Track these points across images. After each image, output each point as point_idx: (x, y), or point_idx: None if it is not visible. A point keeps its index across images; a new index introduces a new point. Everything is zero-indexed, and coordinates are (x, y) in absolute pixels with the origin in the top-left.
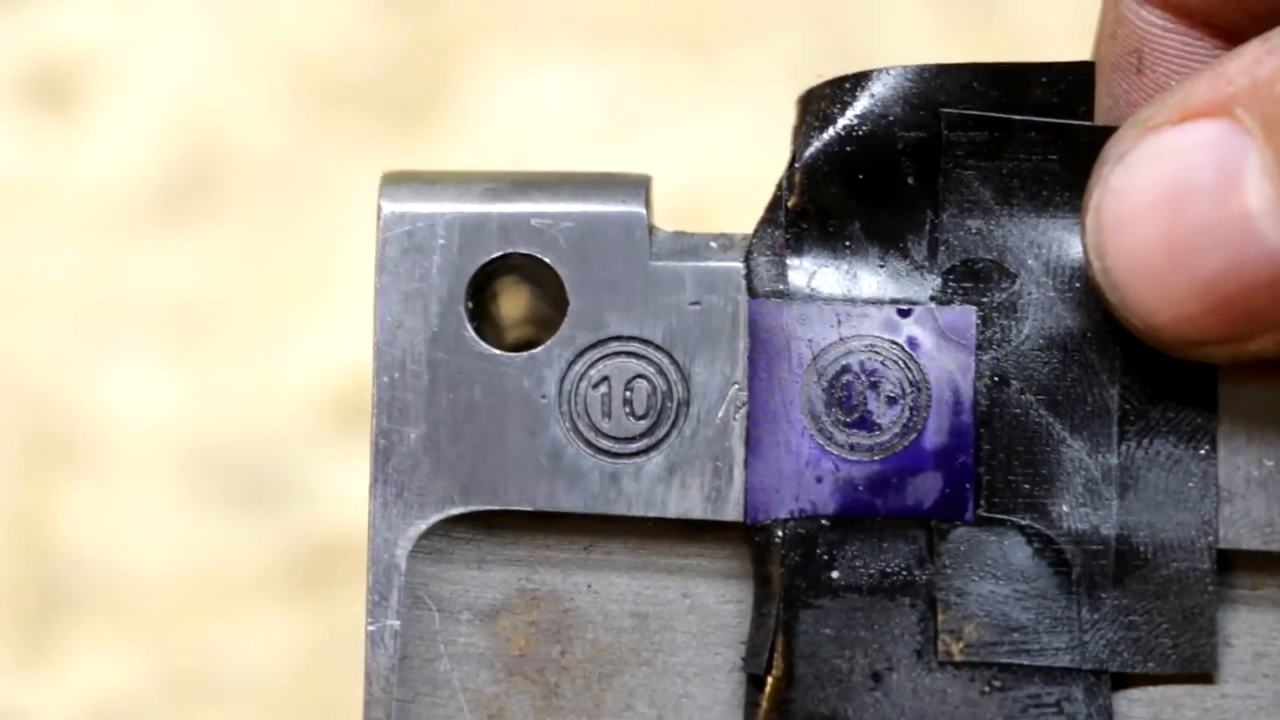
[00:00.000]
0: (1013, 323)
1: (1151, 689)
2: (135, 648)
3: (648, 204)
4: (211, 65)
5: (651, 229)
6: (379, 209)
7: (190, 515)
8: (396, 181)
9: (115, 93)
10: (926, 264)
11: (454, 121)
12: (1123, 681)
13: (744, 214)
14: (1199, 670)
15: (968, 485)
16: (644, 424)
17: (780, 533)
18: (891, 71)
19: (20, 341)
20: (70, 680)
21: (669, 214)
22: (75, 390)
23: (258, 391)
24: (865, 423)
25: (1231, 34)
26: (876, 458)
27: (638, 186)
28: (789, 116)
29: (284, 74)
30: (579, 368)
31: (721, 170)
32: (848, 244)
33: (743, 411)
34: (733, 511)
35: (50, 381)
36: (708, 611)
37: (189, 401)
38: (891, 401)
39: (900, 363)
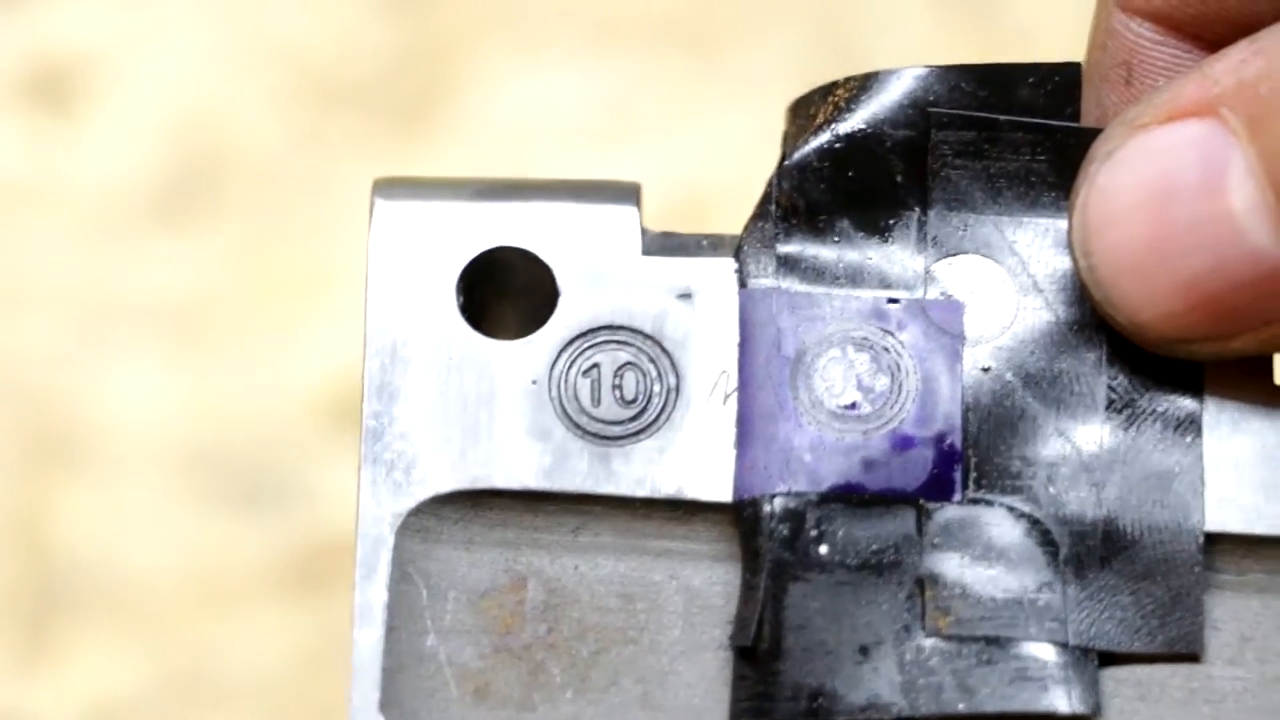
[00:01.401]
0: (1000, 314)
1: (1138, 669)
2: (135, 648)
3: (638, 206)
4: (211, 65)
5: (643, 229)
6: (372, 203)
7: (190, 515)
8: (390, 183)
9: (115, 93)
10: (915, 258)
11: (454, 121)
12: (1110, 660)
13: (743, 214)
14: (1186, 650)
15: (956, 467)
16: (634, 409)
17: (768, 507)
18: (880, 73)
19: (20, 341)
20: (69, 680)
21: (669, 212)
22: (75, 390)
23: (257, 391)
24: (854, 406)
25: (1220, 46)
26: (866, 438)
27: (628, 190)
28: None
29: (284, 74)
30: (569, 355)
31: (721, 170)
32: (837, 238)
33: (732, 398)
34: (722, 491)
35: (50, 381)
36: (695, 593)
37: (188, 401)
38: (881, 386)
39: (889, 350)
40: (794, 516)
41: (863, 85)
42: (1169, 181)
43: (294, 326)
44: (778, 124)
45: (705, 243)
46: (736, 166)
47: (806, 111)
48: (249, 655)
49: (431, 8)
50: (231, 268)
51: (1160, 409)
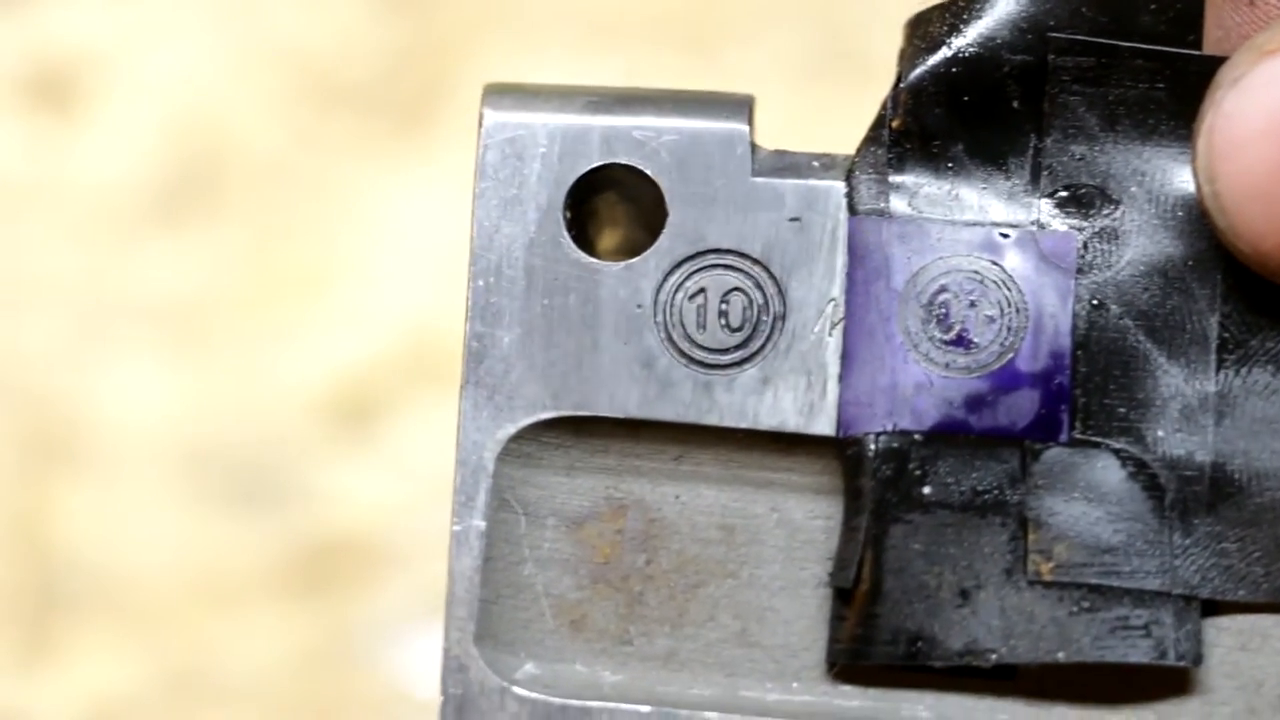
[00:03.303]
0: (1113, 248)
1: (1240, 618)
2: (134, 647)
3: (750, 122)
4: (211, 65)
5: (754, 146)
6: (481, 116)
7: (189, 515)
8: (499, 91)
9: (115, 92)
10: (1029, 187)
11: (454, 121)
12: (1212, 609)
13: None
14: None
15: (1063, 407)
16: (739, 336)
17: (873, 446)
18: None
19: (20, 341)
20: (69, 680)
21: None
22: (75, 389)
23: (257, 391)
24: (962, 341)
25: None
26: (972, 376)
27: (741, 105)
28: (788, 116)
29: (284, 74)
30: (675, 279)
31: None
32: (950, 165)
33: (839, 327)
34: (825, 425)
35: (49, 381)
36: (795, 526)
37: (188, 401)
38: (989, 321)
39: (999, 283)
40: (897, 456)
41: (981, 6)
42: None
43: (294, 326)
44: (776, 122)
45: (817, 164)
46: None
47: (924, 29)
48: (249, 655)
49: (431, 8)
50: (231, 268)
51: (1273, 350)
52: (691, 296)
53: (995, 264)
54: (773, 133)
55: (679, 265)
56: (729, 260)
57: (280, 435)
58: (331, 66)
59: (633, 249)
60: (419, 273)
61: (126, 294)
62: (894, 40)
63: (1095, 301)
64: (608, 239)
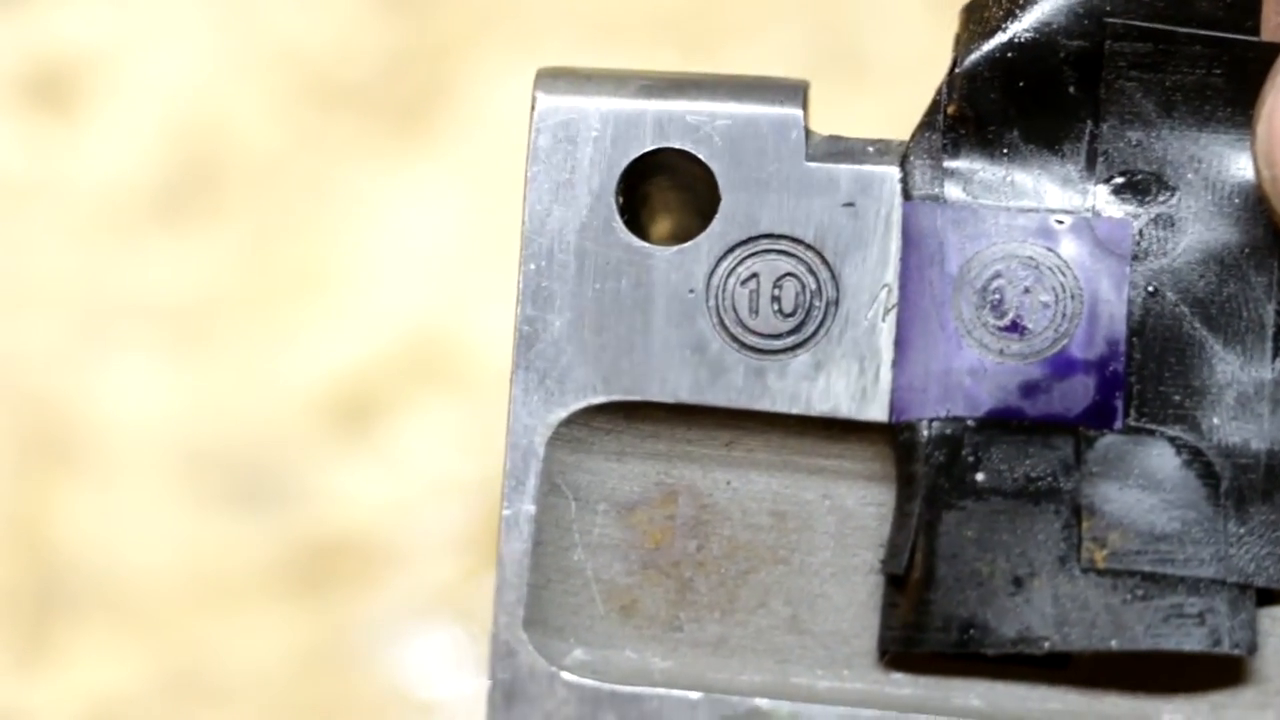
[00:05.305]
0: (1170, 235)
1: None
2: (134, 648)
3: (804, 107)
4: (211, 65)
5: (808, 131)
6: (533, 100)
7: (189, 515)
8: (553, 75)
9: (115, 92)
10: (1084, 174)
11: (454, 121)
12: (1268, 598)
13: None
14: None
15: (1118, 394)
16: (792, 322)
17: (926, 432)
18: None
19: (20, 341)
20: (69, 680)
21: None
22: (74, 390)
23: (257, 391)
24: (1016, 327)
25: None
26: (1027, 362)
27: (795, 90)
28: None
29: (284, 74)
30: (728, 264)
31: None
32: (1005, 151)
33: (892, 313)
34: (878, 411)
35: (49, 381)
36: (847, 513)
37: (188, 401)
38: (1044, 307)
39: (1054, 270)
40: (951, 442)
41: None
42: None
43: (294, 326)
44: None
45: (872, 149)
46: None
47: (980, 13)
48: (249, 655)
49: (431, 8)
50: (231, 268)
51: None
52: (744, 281)
53: (1050, 250)
54: None
55: (732, 250)
56: (782, 245)
57: (280, 435)
58: (331, 66)
59: (685, 234)
60: (419, 273)
61: (126, 294)
62: (894, 40)
63: (1151, 288)
64: (660, 224)
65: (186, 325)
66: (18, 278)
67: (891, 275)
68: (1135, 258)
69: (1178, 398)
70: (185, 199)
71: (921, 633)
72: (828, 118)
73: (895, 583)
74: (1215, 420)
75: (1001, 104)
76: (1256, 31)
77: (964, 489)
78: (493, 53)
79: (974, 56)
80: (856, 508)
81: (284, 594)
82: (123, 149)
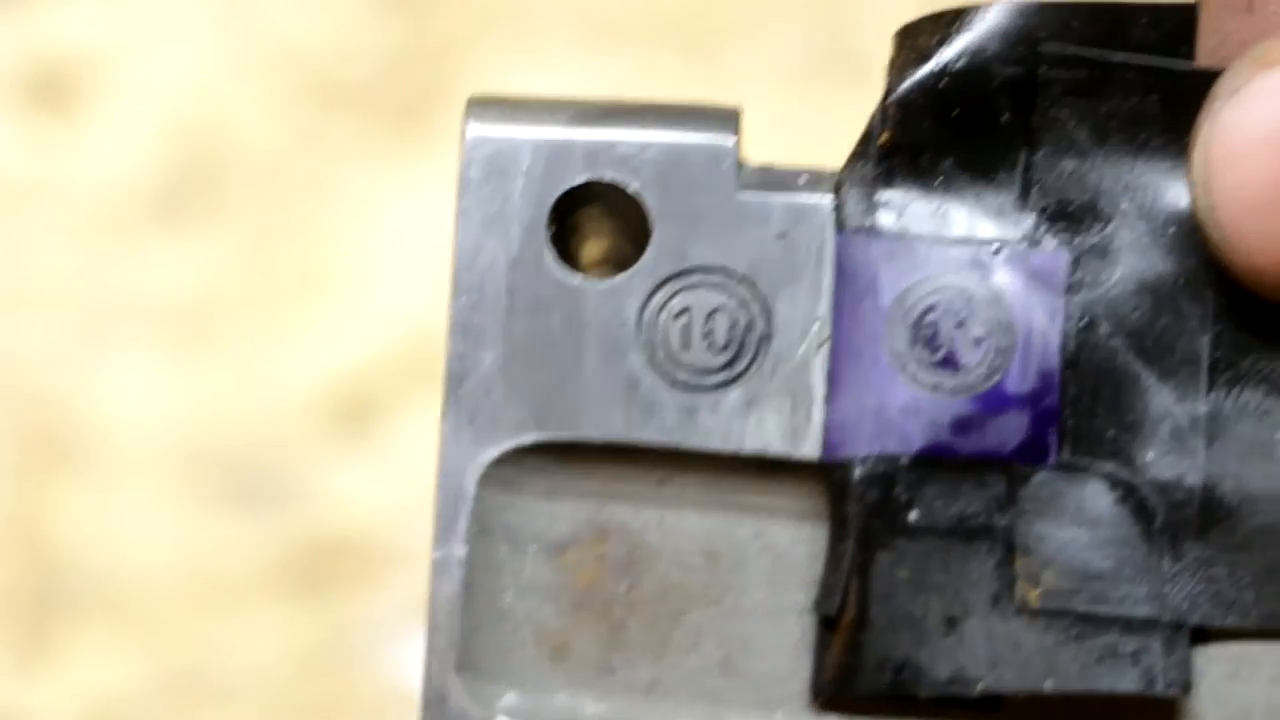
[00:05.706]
0: (1104, 266)
1: (1231, 645)
2: (134, 648)
3: (737, 134)
4: (211, 65)
5: (739, 161)
6: (463, 130)
7: (189, 515)
8: (483, 103)
9: (115, 92)
10: (1019, 204)
11: (454, 121)
12: (1202, 636)
13: None
14: None
15: (1051, 429)
16: (723, 357)
17: (858, 470)
18: (990, 8)
19: (20, 341)
20: (69, 680)
21: None
22: (74, 390)
23: (257, 391)
24: (950, 362)
25: None
26: (959, 398)
27: (728, 117)
28: (789, 116)
29: (284, 74)
30: (660, 297)
31: None
32: (939, 180)
33: (824, 348)
34: (810, 449)
35: (49, 381)
36: (780, 552)
37: (188, 401)
38: (977, 342)
39: (987, 303)
40: (883, 481)
41: (971, 18)
42: None
43: (294, 326)
44: (778, 123)
45: (804, 180)
46: None
47: (914, 41)
48: (249, 655)
49: (431, 8)
50: (231, 268)
51: (1265, 371)
52: (676, 316)
53: (984, 282)
54: (772, 133)
55: (663, 284)
56: (714, 278)
57: (280, 435)
58: (331, 66)
59: (620, 260)
60: (419, 273)
61: (126, 294)
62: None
63: (1085, 320)
64: (594, 250)
65: (186, 325)
66: (18, 278)
67: (824, 309)
68: (1069, 289)
69: (1112, 432)
70: (185, 199)
71: (855, 675)
72: (828, 118)
73: (828, 624)
74: (1149, 455)
75: (935, 133)
76: (1191, 57)
77: (897, 528)
78: (493, 53)
79: (907, 84)
80: (789, 547)
81: (284, 594)
82: (123, 149)
